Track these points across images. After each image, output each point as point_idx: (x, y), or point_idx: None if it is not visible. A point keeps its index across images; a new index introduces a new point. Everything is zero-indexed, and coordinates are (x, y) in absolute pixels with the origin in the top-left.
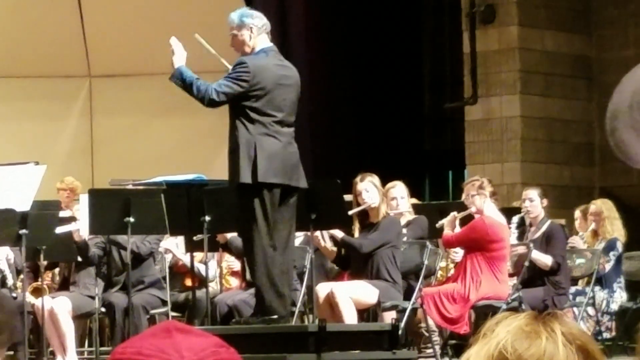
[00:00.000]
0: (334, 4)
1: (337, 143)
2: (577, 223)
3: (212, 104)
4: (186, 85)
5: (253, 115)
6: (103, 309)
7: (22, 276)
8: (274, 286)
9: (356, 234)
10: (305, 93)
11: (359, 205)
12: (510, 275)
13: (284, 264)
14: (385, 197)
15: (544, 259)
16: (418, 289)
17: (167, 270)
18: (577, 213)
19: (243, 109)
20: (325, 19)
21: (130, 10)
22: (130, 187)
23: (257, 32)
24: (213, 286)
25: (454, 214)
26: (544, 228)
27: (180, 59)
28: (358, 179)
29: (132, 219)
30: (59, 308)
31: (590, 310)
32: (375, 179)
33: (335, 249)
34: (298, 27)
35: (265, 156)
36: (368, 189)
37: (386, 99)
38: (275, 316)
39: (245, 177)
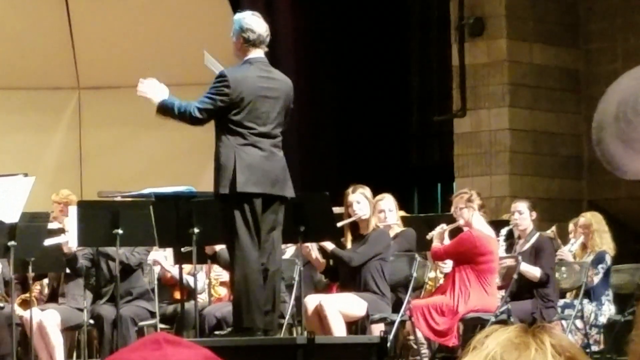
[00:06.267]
0: (321, 17)
1: (325, 157)
2: (571, 235)
3: (196, 121)
4: (169, 112)
5: (233, 127)
6: (92, 321)
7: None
8: (251, 299)
9: (348, 244)
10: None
11: (349, 216)
12: (499, 288)
13: (268, 275)
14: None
15: (533, 271)
16: (407, 302)
17: (156, 282)
18: (571, 226)
19: (224, 121)
20: (312, 32)
21: (119, 22)
22: (118, 199)
23: (249, 43)
24: (202, 298)
25: (442, 226)
26: (532, 240)
27: (155, 94)
28: (349, 190)
29: (120, 231)
30: (48, 320)
31: (579, 323)
32: (366, 190)
33: (324, 260)
34: (285, 41)
35: (245, 166)
36: (359, 200)
37: (374, 111)
38: (250, 329)
39: (224, 188)
